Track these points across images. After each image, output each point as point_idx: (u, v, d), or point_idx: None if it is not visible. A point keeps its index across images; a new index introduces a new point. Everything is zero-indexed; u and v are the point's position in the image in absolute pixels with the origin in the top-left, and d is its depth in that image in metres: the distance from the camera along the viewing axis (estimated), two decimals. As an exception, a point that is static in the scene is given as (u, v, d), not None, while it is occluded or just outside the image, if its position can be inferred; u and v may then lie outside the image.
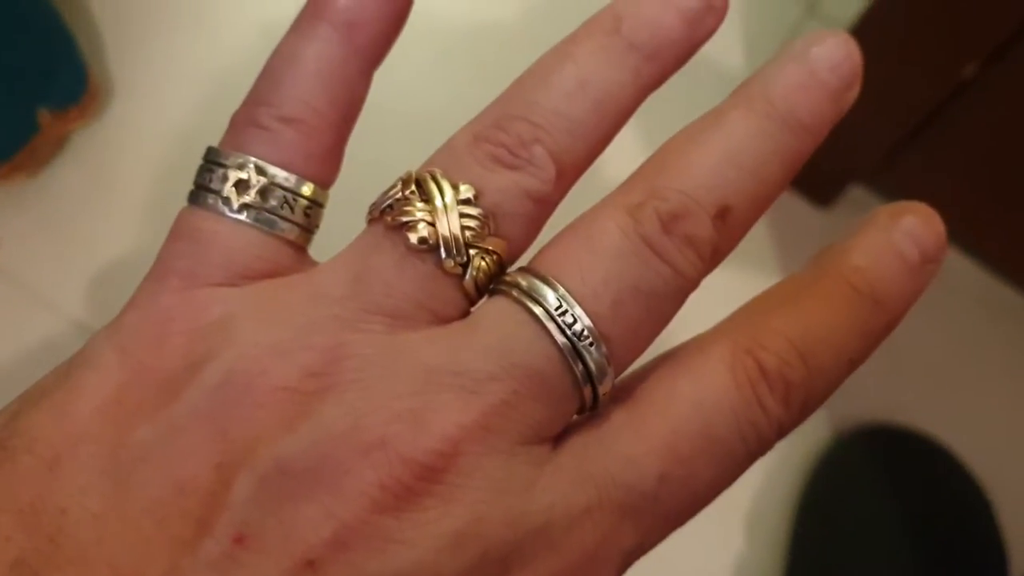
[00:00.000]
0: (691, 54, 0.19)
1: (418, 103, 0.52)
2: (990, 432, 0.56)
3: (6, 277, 0.54)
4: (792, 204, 0.56)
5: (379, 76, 0.20)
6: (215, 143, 0.19)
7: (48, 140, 0.55)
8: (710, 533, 0.54)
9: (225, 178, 0.18)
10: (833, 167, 0.53)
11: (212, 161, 0.19)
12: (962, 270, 0.58)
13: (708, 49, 0.20)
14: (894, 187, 0.54)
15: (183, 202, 0.19)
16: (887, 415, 0.56)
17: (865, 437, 0.54)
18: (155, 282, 0.18)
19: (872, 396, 0.56)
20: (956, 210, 0.51)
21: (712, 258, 0.18)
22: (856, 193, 0.56)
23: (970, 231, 0.54)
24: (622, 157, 0.23)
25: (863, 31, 0.46)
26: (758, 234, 0.57)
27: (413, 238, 0.17)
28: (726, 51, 0.57)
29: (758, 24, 0.59)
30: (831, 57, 0.19)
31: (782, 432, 0.18)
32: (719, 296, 0.23)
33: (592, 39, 0.19)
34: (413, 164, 0.19)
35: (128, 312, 0.18)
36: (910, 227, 0.18)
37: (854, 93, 0.19)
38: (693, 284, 0.18)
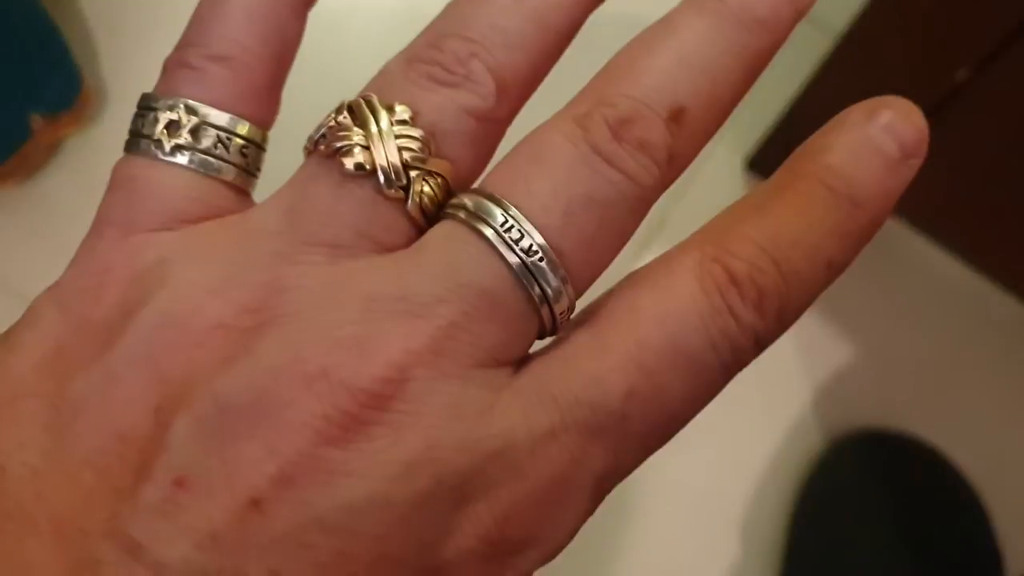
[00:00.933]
0: None
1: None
2: (983, 436, 0.56)
3: (-2, 283, 0.53)
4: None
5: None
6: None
7: (40, 146, 0.55)
8: (705, 539, 0.54)
9: (156, 121, 0.18)
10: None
11: (144, 106, 0.18)
12: (954, 275, 0.59)
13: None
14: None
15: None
16: (880, 420, 0.56)
17: (858, 442, 0.54)
18: (93, 236, 0.18)
19: (865, 401, 0.56)
20: (948, 214, 0.52)
21: (670, 164, 0.17)
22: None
23: (962, 235, 0.54)
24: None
25: (856, 36, 0.46)
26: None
27: (348, 164, 0.17)
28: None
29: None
30: None
31: (759, 342, 0.17)
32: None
33: None
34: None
35: (68, 269, 0.18)
36: (888, 121, 0.17)
37: None
38: (652, 191, 0.17)
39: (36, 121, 0.53)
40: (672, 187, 0.18)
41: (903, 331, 0.58)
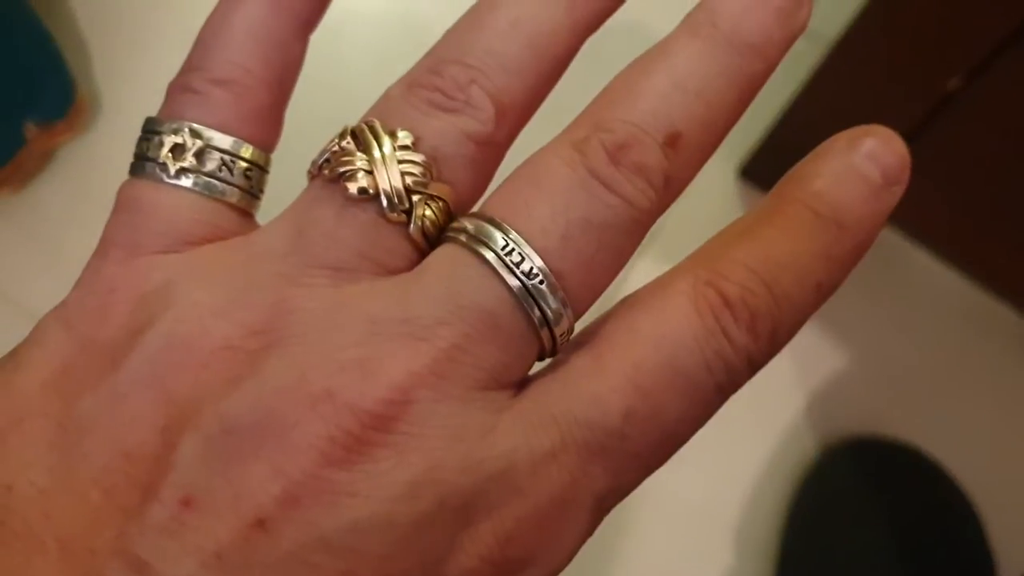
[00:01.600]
0: None
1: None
2: (976, 443, 0.56)
3: (-8, 292, 0.53)
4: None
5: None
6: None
7: (34, 154, 0.55)
8: (699, 546, 0.54)
9: (161, 144, 0.18)
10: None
11: (148, 130, 0.19)
12: (947, 282, 0.59)
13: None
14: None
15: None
16: (873, 427, 0.56)
17: (852, 449, 0.54)
18: (98, 257, 0.18)
19: (858, 408, 0.56)
20: (941, 222, 0.52)
21: (666, 188, 0.18)
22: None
23: (955, 243, 0.54)
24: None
25: (848, 45, 0.46)
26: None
27: (352, 188, 0.17)
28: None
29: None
30: None
31: (752, 364, 0.17)
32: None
33: None
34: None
35: (74, 290, 0.18)
36: (870, 149, 0.18)
37: (805, 12, 0.18)
38: (648, 215, 0.18)
39: (30, 129, 0.53)
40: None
41: (896, 339, 0.58)
